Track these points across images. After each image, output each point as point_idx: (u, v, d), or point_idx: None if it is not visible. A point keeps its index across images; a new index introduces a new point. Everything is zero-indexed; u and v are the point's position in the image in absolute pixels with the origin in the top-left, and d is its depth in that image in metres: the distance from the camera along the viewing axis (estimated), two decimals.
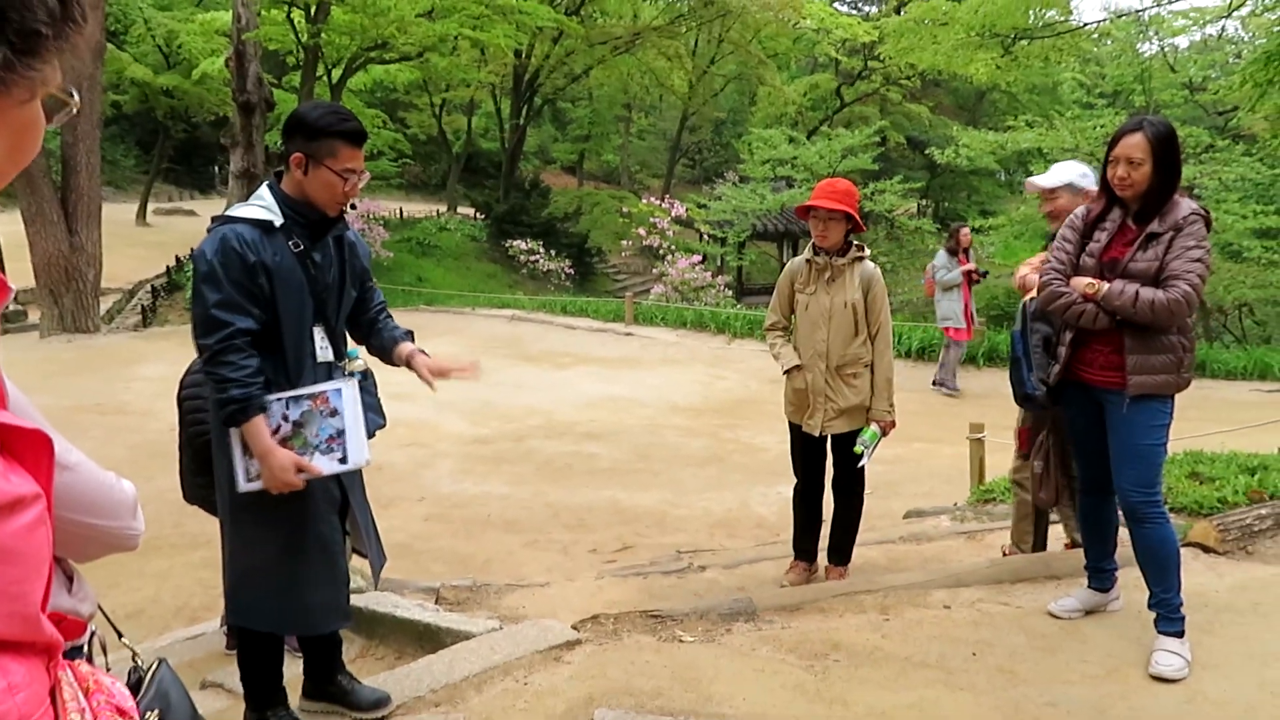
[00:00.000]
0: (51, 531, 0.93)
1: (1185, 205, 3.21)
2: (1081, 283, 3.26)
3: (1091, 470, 3.53)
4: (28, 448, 0.89)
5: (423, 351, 3.05)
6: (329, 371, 2.89)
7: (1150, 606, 3.36)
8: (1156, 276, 3.14)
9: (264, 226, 2.72)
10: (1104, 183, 3.32)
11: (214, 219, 2.83)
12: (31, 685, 0.90)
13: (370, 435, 3.01)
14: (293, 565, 2.84)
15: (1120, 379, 3.23)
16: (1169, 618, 3.30)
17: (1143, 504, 3.25)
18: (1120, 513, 3.47)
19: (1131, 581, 3.71)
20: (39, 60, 0.88)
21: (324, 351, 2.88)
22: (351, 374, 3.00)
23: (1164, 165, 3.19)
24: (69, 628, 1.00)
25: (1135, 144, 3.20)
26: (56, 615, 0.99)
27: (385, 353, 3.09)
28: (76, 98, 0.98)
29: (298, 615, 2.90)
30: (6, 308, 0.89)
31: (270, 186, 2.82)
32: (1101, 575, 3.68)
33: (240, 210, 2.77)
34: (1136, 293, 3.13)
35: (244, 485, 2.72)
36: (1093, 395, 3.37)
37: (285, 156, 2.77)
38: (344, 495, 2.96)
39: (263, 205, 2.76)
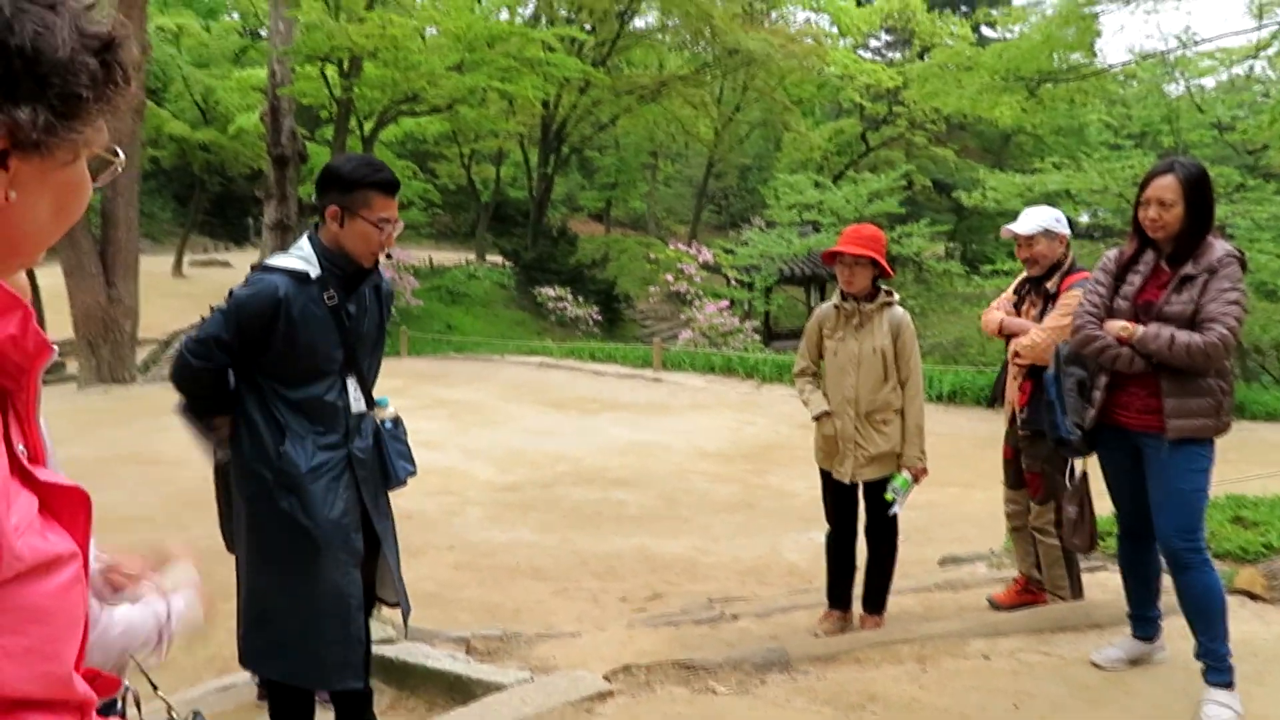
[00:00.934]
0: (86, 590, 0.94)
1: (1220, 247, 3.18)
2: (1116, 326, 3.22)
3: (1130, 515, 3.46)
4: (65, 505, 0.90)
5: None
6: (360, 421, 2.90)
7: (1197, 656, 3.27)
8: (1192, 319, 3.10)
9: (300, 278, 2.77)
10: (1136, 225, 3.29)
11: (253, 267, 2.93)
12: None
13: (402, 483, 3.02)
14: (304, 617, 2.82)
15: (1158, 423, 3.17)
16: (1217, 668, 3.20)
17: (1185, 550, 3.18)
18: (1162, 559, 3.39)
19: (1177, 630, 3.61)
20: (80, 123, 0.89)
21: (357, 403, 2.90)
22: (382, 422, 3.01)
23: (1196, 207, 3.16)
24: (102, 685, 0.99)
25: (1166, 185, 3.18)
26: (90, 672, 0.99)
27: None
28: (122, 157, 1.00)
29: (309, 668, 2.87)
30: (51, 364, 0.91)
31: (310, 238, 2.88)
32: (1145, 623, 3.59)
33: (279, 260, 2.83)
34: (1172, 336, 3.08)
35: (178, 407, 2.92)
36: (1130, 439, 3.31)
37: (321, 210, 2.82)
38: (370, 544, 2.95)
39: (301, 256, 2.82)
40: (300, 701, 2.98)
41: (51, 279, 17.64)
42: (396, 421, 3.09)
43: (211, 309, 2.87)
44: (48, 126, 0.86)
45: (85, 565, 0.92)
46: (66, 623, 0.88)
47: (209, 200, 35.87)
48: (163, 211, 38.51)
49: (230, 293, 2.81)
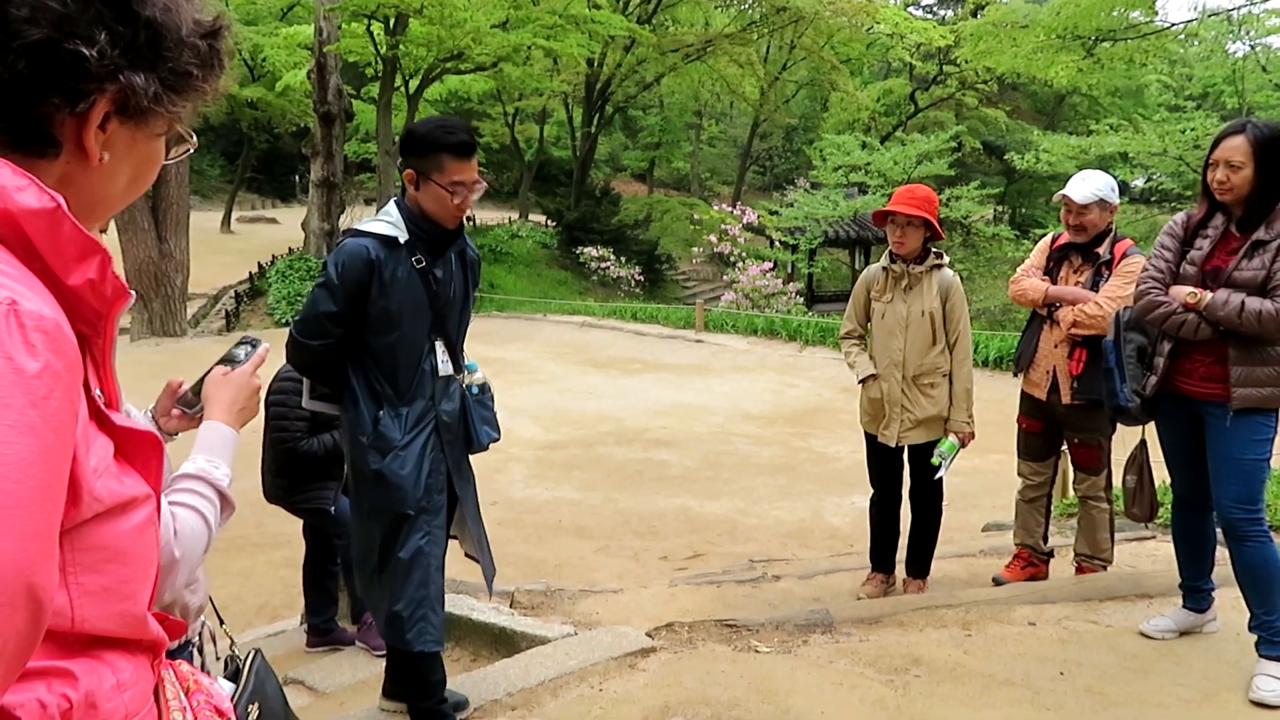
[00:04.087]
0: (159, 533, 0.95)
1: None
2: (1183, 292, 3.13)
3: (1188, 485, 3.39)
4: (139, 450, 0.91)
5: None
6: (446, 385, 2.93)
7: (1251, 629, 3.21)
8: (1263, 286, 3.00)
9: (389, 242, 2.79)
10: (1205, 187, 3.19)
11: (345, 231, 2.93)
12: (138, 683, 0.92)
13: (484, 448, 3.06)
14: (388, 575, 2.88)
15: (1223, 391, 3.09)
16: (1271, 641, 3.14)
17: (1244, 521, 3.11)
18: (1219, 530, 3.33)
19: (1229, 602, 3.55)
20: (183, 99, 0.95)
21: (444, 365, 2.92)
22: (469, 386, 3.04)
23: (1268, 169, 3.04)
24: (171, 627, 1.01)
25: (1236, 147, 3.07)
26: (160, 615, 1.01)
27: None
28: (194, 140, 1.04)
29: (389, 624, 2.92)
30: (125, 312, 0.92)
31: (397, 202, 2.88)
32: (1197, 595, 3.53)
33: (368, 225, 2.84)
34: (1242, 303, 2.99)
35: (310, 402, 2.98)
36: (1191, 408, 3.23)
37: (400, 170, 2.85)
38: (452, 503, 3.01)
39: (390, 221, 2.83)
40: (420, 663, 2.97)
41: (104, 235, 17.96)
42: (484, 388, 3.11)
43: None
44: (156, 97, 0.91)
45: (158, 508, 0.93)
46: (142, 563, 0.90)
47: (256, 157, 36.22)
48: (211, 168, 38.99)
49: (325, 264, 2.83)
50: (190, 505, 1.25)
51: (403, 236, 2.80)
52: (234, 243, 29.73)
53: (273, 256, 23.73)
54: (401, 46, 22.83)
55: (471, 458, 3.08)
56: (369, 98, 28.26)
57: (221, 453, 1.40)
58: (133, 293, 0.90)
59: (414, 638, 2.88)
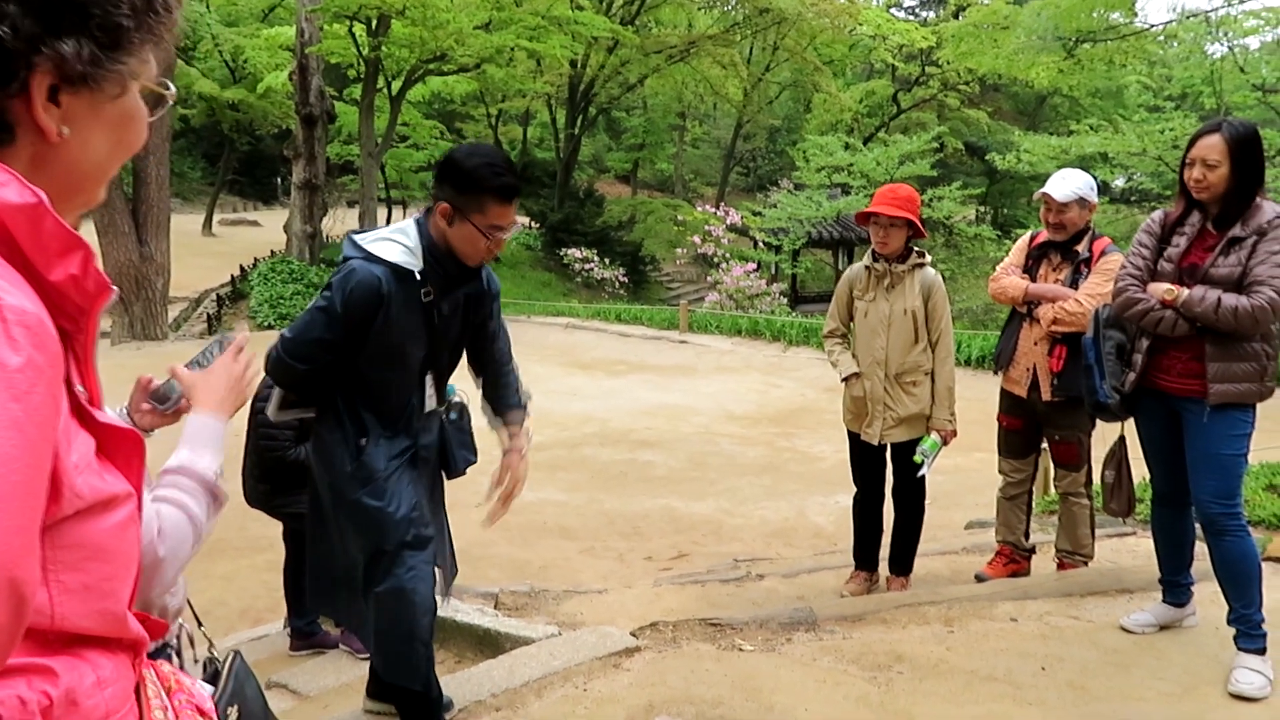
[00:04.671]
0: (140, 531, 0.95)
1: (1270, 209, 3.10)
2: (1160, 289, 3.16)
3: (1167, 481, 3.43)
4: (121, 447, 0.91)
5: (525, 440, 3.04)
6: (429, 419, 2.84)
7: (1230, 622, 3.25)
8: (1239, 283, 3.04)
9: (402, 274, 2.60)
10: (1182, 186, 3.22)
11: (351, 239, 2.70)
12: (119, 681, 0.92)
13: (460, 473, 2.97)
14: (372, 608, 2.79)
15: (1200, 387, 3.13)
16: (1250, 634, 3.18)
17: (1223, 516, 3.14)
18: (1198, 525, 3.36)
19: (1207, 597, 3.59)
20: (124, 54, 0.90)
21: (430, 401, 2.81)
22: (446, 412, 2.93)
23: (1243, 168, 3.08)
24: (153, 627, 1.01)
25: (1212, 145, 3.11)
26: (141, 615, 1.00)
27: (493, 413, 3.05)
28: (173, 89, 1.00)
29: (375, 656, 2.89)
30: (107, 309, 0.91)
31: (419, 224, 2.69)
32: (1177, 589, 3.57)
33: (382, 248, 2.62)
34: (1219, 299, 3.03)
35: (277, 415, 2.84)
36: (1170, 404, 3.27)
37: (434, 199, 2.66)
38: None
39: (407, 246, 2.63)
40: (422, 709, 2.91)
41: (85, 236, 17.83)
42: (461, 411, 2.99)
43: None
44: (92, 59, 0.86)
45: (139, 507, 0.93)
46: (123, 562, 0.89)
47: (238, 159, 36.03)
48: (192, 170, 38.76)
49: (329, 285, 2.62)
50: (175, 501, 1.23)
51: (418, 268, 2.61)
52: (215, 245, 29.57)
53: (255, 259, 23.62)
54: (384, 48, 22.76)
55: None
56: (351, 99, 28.14)
57: (208, 444, 1.37)
58: (115, 288, 0.90)
59: (392, 672, 2.83)
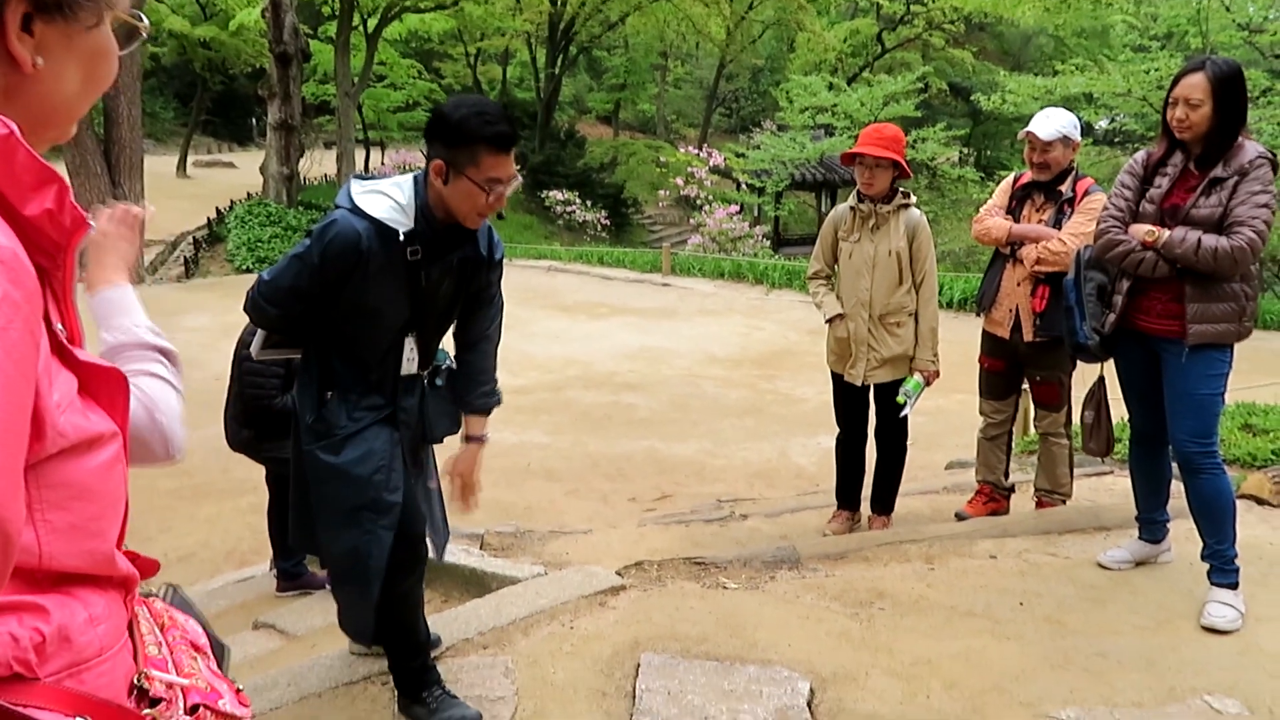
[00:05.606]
0: (126, 470, 0.94)
1: (1251, 148, 3.10)
2: (1141, 230, 3.17)
3: (1145, 421, 3.47)
4: (104, 386, 0.90)
5: (480, 440, 2.88)
6: (410, 382, 2.69)
7: (1204, 558, 3.32)
8: (1220, 223, 3.05)
9: (387, 233, 2.46)
10: (1165, 126, 3.21)
11: (353, 180, 2.56)
12: (111, 618, 0.92)
13: (438, 441, 2.87)
14: (330, 567, 2.84)
15: (1179, 328, 3.15)
16: (1223, 569, 3.25)
17: (1199, 455, 3.19)
18: (1174, 464, 3.42)
19: (1183, 533, 3.66)
20: None
21: (410, 363, 2.66)
22: (435, 379, 2.80)
23: (1225, 107, 3.07)
24: (143, 565, 1.01)
25: (1195, 84, 3.09)
26: (131, 553, 1.00)
27: (457, 401, 2.87)
28: (146, 21, 0.97)
29: (341, 614, 2.90)
30: (83, 246, 0.89)
31: (416, 182, 2.53)
32: (1153, 527, 3.63)
33: (371, 203, 2.48)
34: (1199, 240, 3.03)
35: (261, 352, 2.76)
36: (1149, 345, 3.29)
37: (427, 159, 2.51)
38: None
39: (397, 204, 2.48)
40: (412, 652, 2.84)
41: None
42: (446, 377, 2.84)
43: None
44: None
45: (125, 446, 0.92)
46: (109, 501, 0.89)
47: (211, 99, 35.26)
48: (164, 111, 37.94)
49: (309, 233, 2.51)
50: (147, 372, 1.19)
51: (406, 228, 2.47)
52: (190, 187, 29.05)
53: (231, 201, 23.23)
54: None
55: None
56: (326, 37, 27.49)
57: (134, 309, 1.30)
58: (93, 223, 0.88)
59: (344, 627, 2.89)
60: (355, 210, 2.47)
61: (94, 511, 0.87)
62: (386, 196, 2.50)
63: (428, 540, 2.88)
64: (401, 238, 2.46)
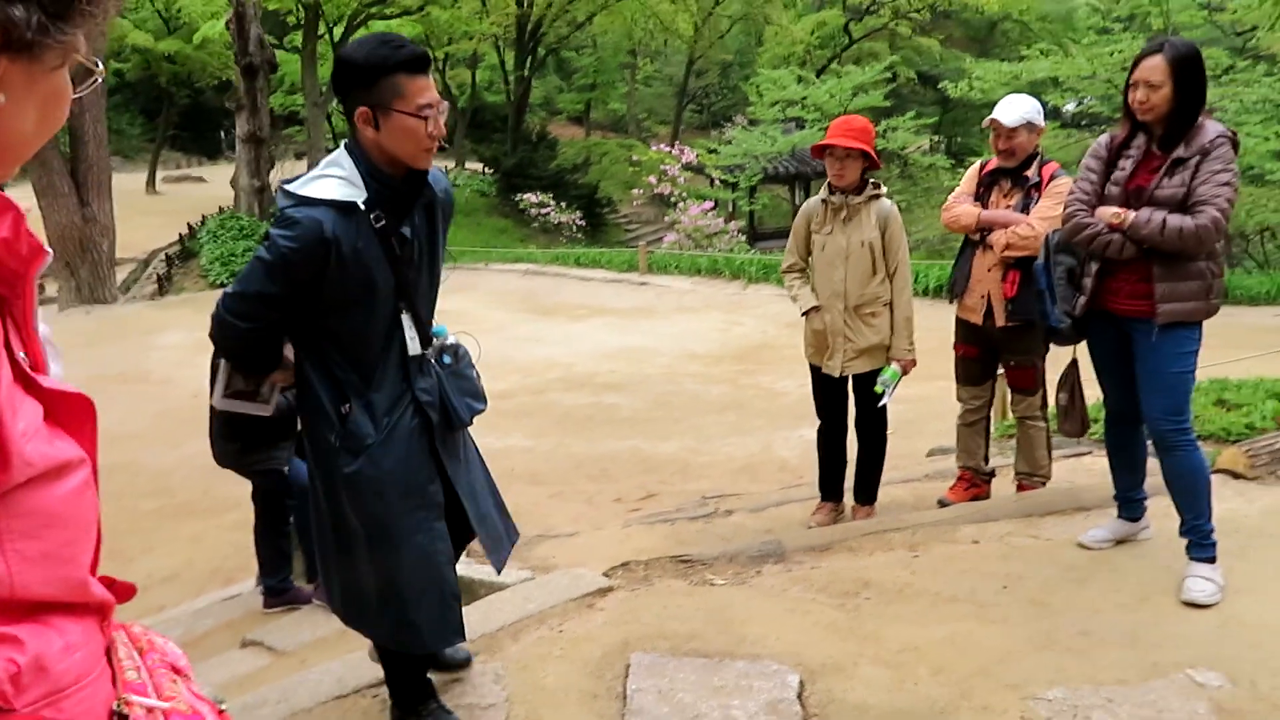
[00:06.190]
0: (96, 495, 0.94)
1: (1212, 128, 3.14)
2: (1107, 212, 3.20)
3: (1119, 400, 3.51)
4: (72, 412, 0.89)
5: None
6: (420, 363, 2.49)
7: (1182, 534, 3.35)
8: (1184, 203, 3.09)
9: (346, 208, 2.31)
10: (1127, 108, 3.25)
11: (284, 190, 2.39)
12: (88, 645, 0.92)
13: (466, 423, 2.62)
14: (393, 584, 2.49)
15: (1149, 308, 3.18)
16: (1201, 544, 3.29)
17: (1173, 432, 3.23)
18: (1149, 442, 3.46)
19: (1161, 510, 3.70)
20: (70, 25, 0.88)
21: (413, 343, 2.47)
22: (441, 356, 2.58)
23: (1185, 87, 3.11)
24: (120, 589, 1.01)
25: (1154, 66, 3.12)
26: (107, 578, 1.00)
27: None
28: (102, 68, 0.98)
29: (405, 633, 2.54)
30: (44, 272, 0.89)
31: (349, 150, 2.38)
32: (1131, 505, 3.67)
33: (317, 187, 2.33)
34: (1164, 221, 3.07)
35: (221, 401, 2.60)
36: (1120, 325, 3.33)
37: (349, 116, 2.35)
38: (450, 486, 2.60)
39: (342, 178, 2.33)
40: (414, 665, 2.71)
41: (22, 200, 17.29)
42: (455, 353, 2.62)
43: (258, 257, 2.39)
44: (40, 26, 0.85)
45: (94, 471, 0.92)
46: (80, 527, 0.88)
47: (178, 114, 35.01)
48: (131, 127, 37.60)
49: (267, 235, 2.34)
50: None
51: (361, 197, 2.31)
52: (161, 204, 28.83)
53: (203, 216, 23.07)
54: None
55: None
56: (292, 47, 27.35)
57: None
58: (50, 250, 0.87)
59: (436, 640, 2.59)
60: (306, 201, 2.32)
61: (66, 538, 0.87)
62: (329, 177, 2.35)
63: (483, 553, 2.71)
64: (362, 206, 2.32)
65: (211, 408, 4.17)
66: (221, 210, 23.41)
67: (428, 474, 2.50)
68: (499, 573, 2.97)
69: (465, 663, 2.98)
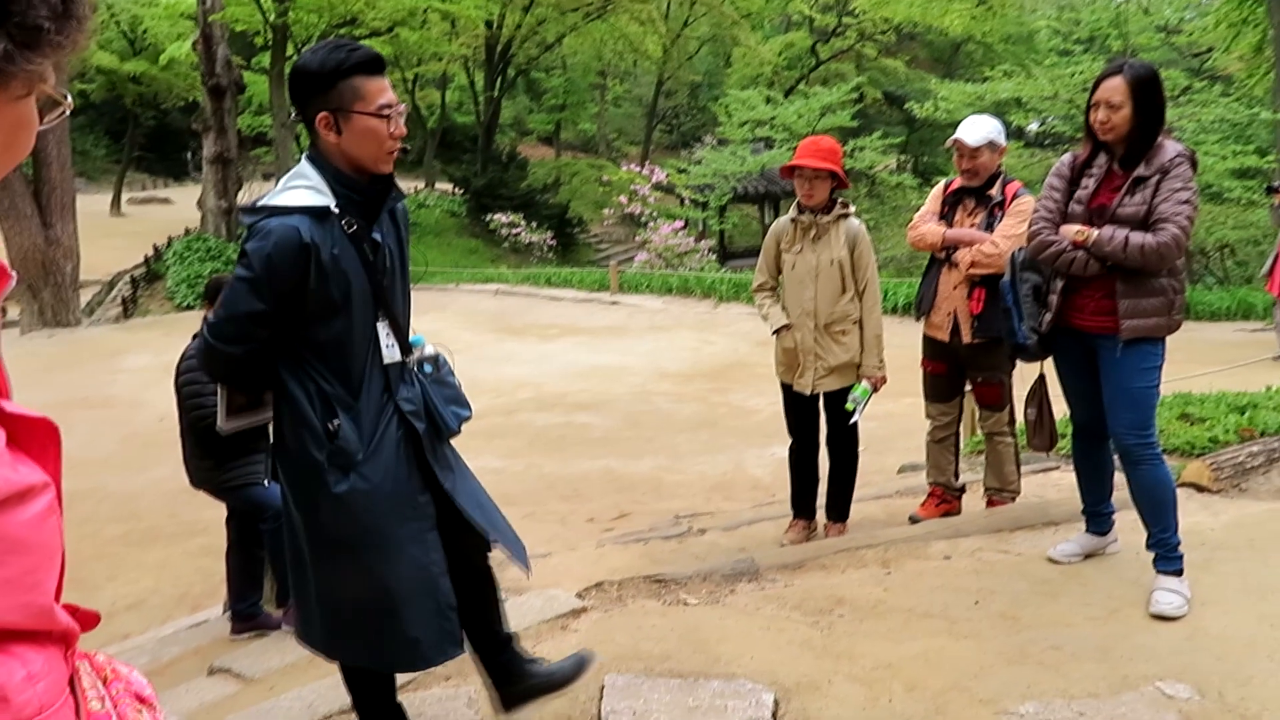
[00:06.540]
0: (61, 521, 0.92)
1: (1171, 147, 3.21)
2: (1071, 230, 3.26)
3: (1085, 416, 3.55)
4: (35, 437, 0.88)
5: None
6: (400, 371, 2.44)
7: (1149, 547, 3.39)
8: (1145, 220, 3.15)
9: (319, 214, 2.27)
10: (1088, 128, 3.31)
11: (248, 209, 2.37)
12: (51, 674, 0.90)
13: (455, 432, 2.57)
14: (388, 600, 2.42)
15: (1113, 324, 3.24)
16: (1167, 557, 3.33)
17: (1138, 446, 3.27)
18: (1116, 457, 3.50)
19: (1128, 524, 3.74)
20: (39, 55, 0.88)
21: (390, 350, 2.42)
22: (421, 365, 2.53)
23: (1145, 108, 3.18)
24: (83, 617, 0.99)
25: (1114, 87, 3.19)
26: (70, 606, 0.98)
27: None
28: (69, 99, 0.98)
29: (402, 649, 2.46)
30: (7, 295, 0.88)
31: (312, 160, 2.35)
32: (1099, 519, 3.71)
33: (287, 197, 2.30)
34: (1126, 238, 3.13)
35: (227, 423, 2.52)
36: (1085, 341, 3.38)
37: (309, 124, 2.33)
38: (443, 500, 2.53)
39: (310, 186, 2.30)
40: (381, 684, 2.66)
41: None
42: (435, 362, 2.58)
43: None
44: (7, 55, 0.85)
45: (59, 496, 0.90)
46: (45, 553, 0.87)
47: (144, 135, 34.70)
48: (96, 148, 37.20)
49: (243, 253, 2.28)
50: None
51: (332, 203, 2.29)
52: (126, 225, 28.50)
53: (169, 238, 22.82)
54: (291, 14, 22.05)
55: None
56: (260, 68, 27.19)
57: None
58: (14, 274, 0.86)
59: (435, 653, 2.50)
60: (276, 210, 2.29)
61: (29, 565, 0.85)
62: (296, 188, 2.32)
63: (507, 554, 2.66)
64: (335, 210, 2.29)
65: (181, 430, 4.12)
66: (188, 232, 23.17)
67: (417, 484, 2.45)
68: (529, 575, 2.92)
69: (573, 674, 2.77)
